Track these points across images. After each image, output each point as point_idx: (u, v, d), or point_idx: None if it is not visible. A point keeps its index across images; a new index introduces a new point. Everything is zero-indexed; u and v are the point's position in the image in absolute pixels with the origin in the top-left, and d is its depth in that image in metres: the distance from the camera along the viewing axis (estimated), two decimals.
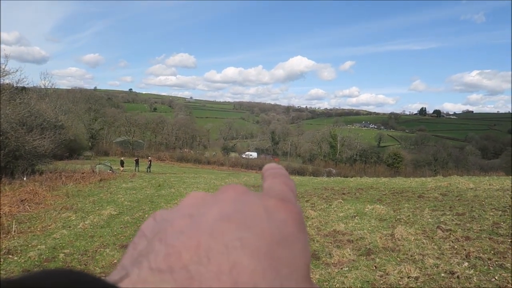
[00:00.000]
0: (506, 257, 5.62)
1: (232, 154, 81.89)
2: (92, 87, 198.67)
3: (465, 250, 6.12)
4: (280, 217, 0.29)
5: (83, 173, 20.99)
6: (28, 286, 0.18)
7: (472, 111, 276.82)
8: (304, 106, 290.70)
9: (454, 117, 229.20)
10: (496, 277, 5.01)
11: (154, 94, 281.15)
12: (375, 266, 5.88)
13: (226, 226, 0.27)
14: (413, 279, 5.25)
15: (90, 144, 61.67)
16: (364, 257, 6.36)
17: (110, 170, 26.04)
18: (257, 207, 0.29)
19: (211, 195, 0.33)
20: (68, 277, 0.20)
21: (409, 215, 8.81)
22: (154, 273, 0.25)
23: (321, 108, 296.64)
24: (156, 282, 0.25)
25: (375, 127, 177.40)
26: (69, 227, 10.06)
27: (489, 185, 12.34)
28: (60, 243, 8.52)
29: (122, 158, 34.79)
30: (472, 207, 9.04)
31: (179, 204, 0.34)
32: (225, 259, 0.25)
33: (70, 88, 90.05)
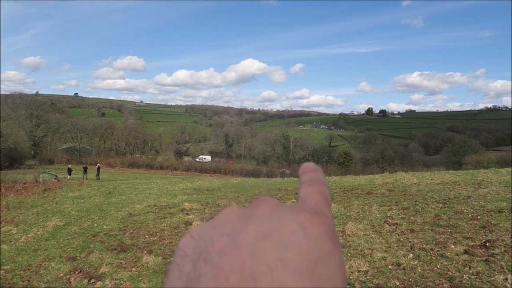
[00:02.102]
0: (446, 247, 5.99)
1: (186, 158, 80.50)
2: (34, 92, 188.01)
3: (410, 242, 6.46)
4: (314, 232, 0.29)
5: (25, 183, 19.85)
6: None
7: (415, 110, 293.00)
8: (256, 108, 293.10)
9: (398, 116, 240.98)
10: (438, 266, 5.33)
11: (101, 99, 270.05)
12: None
13: (264, 245, 0.28)
14: (362, 273, 5.45)
15: (32, 152, 58.45)
16: None
17: (55, 179, 24.80)
18: (292, 224, 0.29)
19: (244, 211, 0.34)
20: None
21: (358, 212, 9.14)
22: None
23: (273, 110, 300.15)
24: None
25: (326, 127, 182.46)
26: (10, 241, 9.46)
27: (431, 179, 13.10)
28: None
29: (69, 166, 33.14)
30: (416, 201, 9.56)
31: (214, 220, 0.34)
32: (270, 280, 0.25)
33: (8, 93, 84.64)
